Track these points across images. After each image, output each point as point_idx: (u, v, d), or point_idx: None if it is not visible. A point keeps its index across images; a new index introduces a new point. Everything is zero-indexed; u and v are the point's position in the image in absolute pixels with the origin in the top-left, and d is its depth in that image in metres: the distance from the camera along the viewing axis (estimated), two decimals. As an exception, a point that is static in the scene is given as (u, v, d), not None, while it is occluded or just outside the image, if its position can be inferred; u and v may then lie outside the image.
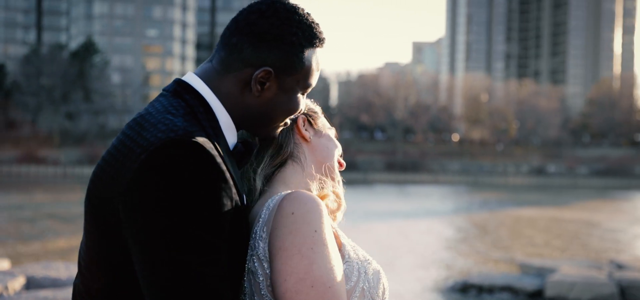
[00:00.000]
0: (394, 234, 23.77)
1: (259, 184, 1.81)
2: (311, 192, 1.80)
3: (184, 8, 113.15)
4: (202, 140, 1.51)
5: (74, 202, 35.20)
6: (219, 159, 1.52)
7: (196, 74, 1.71)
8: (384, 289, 1.73)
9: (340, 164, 1.93)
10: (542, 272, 12.54)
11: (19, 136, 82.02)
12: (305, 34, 1.68)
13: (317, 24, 1.72)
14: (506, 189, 61.69)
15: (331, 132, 1.96)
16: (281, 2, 1.68)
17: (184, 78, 1.71)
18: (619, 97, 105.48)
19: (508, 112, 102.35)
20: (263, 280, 1.59)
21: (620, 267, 12.76)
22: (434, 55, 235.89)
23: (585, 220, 30.67)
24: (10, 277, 6.37)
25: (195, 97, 1.65)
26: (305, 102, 1.88)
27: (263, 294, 1.60)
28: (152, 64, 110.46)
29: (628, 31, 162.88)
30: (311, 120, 1.92)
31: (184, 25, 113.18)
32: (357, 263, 1.69)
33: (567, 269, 12.08)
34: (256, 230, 1.64)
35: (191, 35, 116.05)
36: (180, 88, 1.67)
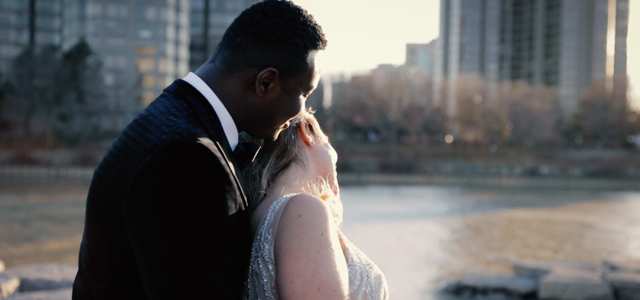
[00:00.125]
0: (388, 235, 23.77)
1: (264, 184, 1.81)
2: (315, 194, 1.82)
3: (178, 9, 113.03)
4: (206, 142, 1.51)
5: (68, 204, 35.12)
6: (223, 161, 1.51)
7: (198, 74, 1.70)
8: (385, 293, 1.75)
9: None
10: (535, 274, 12.57)
11: (12, 137, 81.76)
12: (310, 35, 1.69)
13: (320, 26, 1.73)
14: (499, 190, 61.80)
15: (325, 139, 1.99)
16: (286, 4, 1.69)
17: (185, 79, 1.70)
18: (612, 98, 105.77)
19: (501, 113, 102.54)
20: (268, 282, 1.60)
21: (613, 268, 12.79)
22: (428, 56, 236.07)
23: (578, 221, 30.75)
24: (3, 280, 6.36)
25: (197, 98, 1.64)
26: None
27: (267, 296, 1.60)
28: (145, 65, 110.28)
29: (621, 33, 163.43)
30: (311, 126, 1.95)
31: (177, 27, 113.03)
32: (360, 267, 1.71)
33: (561, 270, 12.11)
34: (261, 232, 1.64)
35: (185, 36, 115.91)
36: (181, 89, 1.66)
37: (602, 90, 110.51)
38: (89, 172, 63.74)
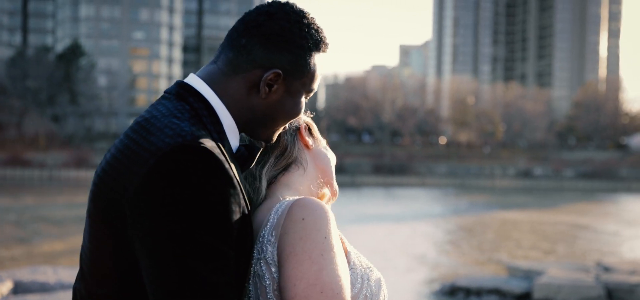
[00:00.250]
0: (382, 237, 23.79)
1: (263, 185, 1.82)
2: (315, 197, 1.85)
3: (171, 11, 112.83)
4: (210, 145, 1.51)
5: (61, 205, 35.04)
6: (227, 165, 1.51)
7: (199, 76, 1.70)
8: (384, 296, 1.76)
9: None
10: (529, 275, 12.59)
11: (5, 139, 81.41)
12: (314, 38, 1.69)
13: (322, 29, 1.74)
14: (493, 191, 61.90)
15: (324, 142, 2.00)
16: (291, 5, 1.69)
17: (186, 80, 1.70)
18: (605, 100, 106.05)
19: (495, 114, 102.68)
20: (270, 284, 1.60)
21: (607, 269, 12.82)
22: (421, 58, 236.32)
23: (571, 222, 30.82)
24: (-3, 282, 6.33)
25: (199, 100, 1.64)
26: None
27: (269, 298, 1.61)
28: (138, 66, 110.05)
29: (613, 35, 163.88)
30: (311, 128, 1.96)
31: (170, 28, 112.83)
32: (361, 270, 1.72)
33: (555, 272, 12.13)
34: (264, 234, 1.64)
35: (178, 38, 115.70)
36: (183, 91, 1.66)
37: (595, 92, 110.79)
38: (82, 174, 63.60)
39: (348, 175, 71.11)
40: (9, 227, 24.84)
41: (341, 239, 1.72)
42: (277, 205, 1.67)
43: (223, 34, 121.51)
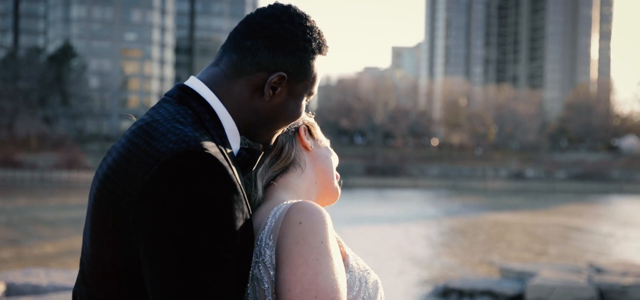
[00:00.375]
0: (374, 239, 23.79)
1: (260, 187, 1.81)
2: (315, 198, 1.86)
3: (163, 12, 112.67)
4: (214, 151, 1.50)
5: (52, 207, 34.90)
6: (230, 171, 1.51)
7: (200, 78, 1.68)
8: (381, 298, 1.76)
9: (335, 176, 1.97)
10: (522, 276, 12.59)
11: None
12: (316, 41, 1.70)
13: (323, 32, 1.74)
14: (485, 193, 62.00)
15: (327, 142, 1.99)
16: (294, 8, 1.70)
17: (187, 83, 1.68)
18: (596, 102, 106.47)
19: (487, 116, 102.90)
20: (269, 287, 1.60)
21: (599, 270, 12.84)
22: (413, 59, 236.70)
23: (564, 224, 30.90)
24: (-11, 284, 6.30)
25: (201, 104, 1.63)
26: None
27: None
28: (130, 67, 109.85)
29: (605, 37, 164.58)
30: (311, 130, 1.94)
31: (162, 29, 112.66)
32: (359, 273, 1.72)
33: (547, 273, 12.14)
34: (262, 238, 1.63)
35: (170, 39, 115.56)
36: (185, 94, 1.65)
37: (587, 94, 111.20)
38: (74, 175, 63.41)
39: (340, 177, 70.99)
40: (0, 228, 24.73)
41: (339, 242, 1.71)
42: (275, 208, 1.67)
43: (215, 36, 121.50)
